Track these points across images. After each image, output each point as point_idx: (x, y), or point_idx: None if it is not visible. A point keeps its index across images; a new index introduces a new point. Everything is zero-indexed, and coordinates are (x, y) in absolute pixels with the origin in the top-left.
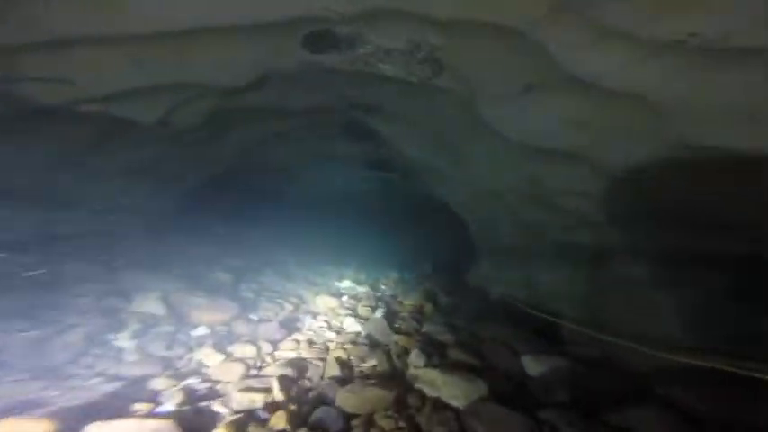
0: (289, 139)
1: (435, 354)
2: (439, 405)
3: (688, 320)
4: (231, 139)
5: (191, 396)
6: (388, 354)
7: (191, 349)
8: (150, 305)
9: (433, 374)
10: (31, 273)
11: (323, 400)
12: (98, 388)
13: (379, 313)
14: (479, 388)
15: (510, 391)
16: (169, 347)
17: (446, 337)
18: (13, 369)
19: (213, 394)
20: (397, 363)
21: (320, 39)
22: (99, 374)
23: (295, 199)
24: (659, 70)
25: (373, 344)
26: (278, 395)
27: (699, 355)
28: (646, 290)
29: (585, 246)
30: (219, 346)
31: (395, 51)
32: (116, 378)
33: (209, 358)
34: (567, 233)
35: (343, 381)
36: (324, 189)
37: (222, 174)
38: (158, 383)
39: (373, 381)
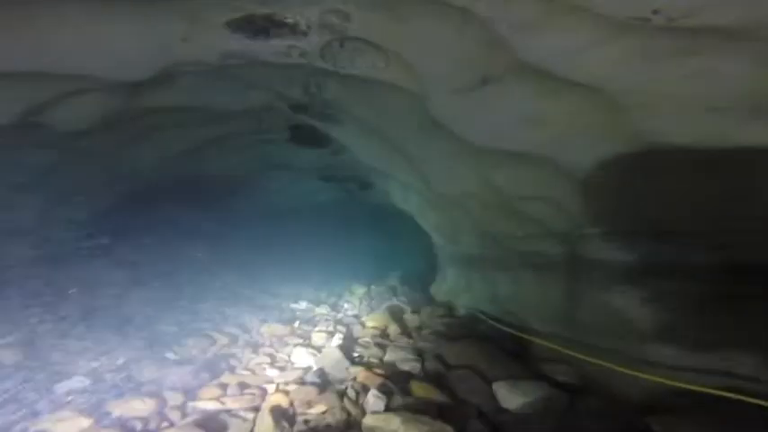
0: (229, 146)
1: (397, 391)
2: None
3: (665, 334)
4: (152, 144)
5: None
6: (341, 395)
7: (35, 414)
8: None
9: (394, 424)
10: None
11: None
12: None
13: (336, 341)
14: None
15: None
16: None
17: (411, 365)
18: None
19: None
20: (352, 408)
21: (242, 24)
22: None
23: (243, 213)
24: (618, 55)
25: (325, 382)
26: None
27: (680, 375)
28: (618, 302)
29: (551, 255)
30: (94, 405)
31: (331, 43)
32: None
33: (66, 426)
34: (532, 242)
35: None
36: (276, 201)
37: (148, 185)
38: None
39: None
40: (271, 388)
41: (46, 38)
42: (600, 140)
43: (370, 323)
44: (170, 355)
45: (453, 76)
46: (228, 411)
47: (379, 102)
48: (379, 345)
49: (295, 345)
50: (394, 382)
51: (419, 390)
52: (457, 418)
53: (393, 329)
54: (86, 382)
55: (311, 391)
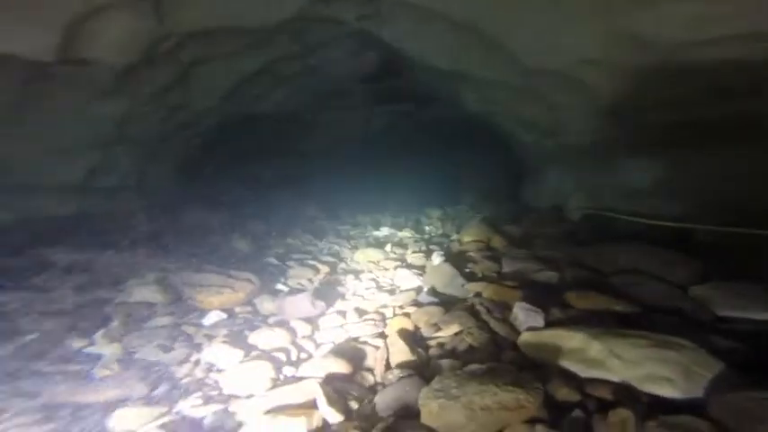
0: (275, 76)
1: (551, 303)
2: (644, 401)
3: None
4: (202, 81)
5: None
6: (473, 313)
7: (197, 347)
8: (145, 291)
9: (576, 340)
10: None
11: (403, 415)
12: None
13: (437, 258)
14: (703, 358)
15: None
16: (165, 348)
17: (546, 275)
18: None
19: (221, 427)
20: (495, 325)
21: None
22: (36, 409)
23: (308, 149)
24: None
25: (445, 301)
26: (328, 414)
27: None
28: None
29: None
30: (237, 338)
31: None
32: (54, 413)
33: (223, 358)
34: (699, 107)
35: (422, 370)
36: (330, 134)
37: (219, 130)
38: (126, 418)
39: (476, 367)
40: (388, 312)
41: None
42: None
43: (466, 238)
44: (281, 287)
45: None
46: (356, 339)
47: None
48: (489, 258)
49: (394, 267)
50: (538, 295)
51: (580, 300)
52: (661, 329)
53: (497, 242)
54: (223, 315)
55: (434, 312)
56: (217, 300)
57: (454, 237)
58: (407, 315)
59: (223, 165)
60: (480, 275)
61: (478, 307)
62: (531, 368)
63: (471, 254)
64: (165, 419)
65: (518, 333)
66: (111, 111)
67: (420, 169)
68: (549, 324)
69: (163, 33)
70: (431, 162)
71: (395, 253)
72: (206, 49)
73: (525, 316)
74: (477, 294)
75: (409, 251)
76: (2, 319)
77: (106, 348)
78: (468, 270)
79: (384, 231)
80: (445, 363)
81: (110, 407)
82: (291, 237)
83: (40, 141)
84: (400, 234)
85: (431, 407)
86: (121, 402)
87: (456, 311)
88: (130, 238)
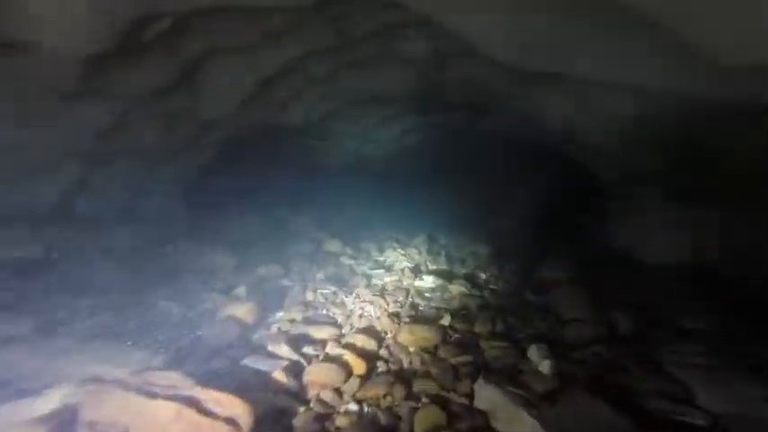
0: (302, 77)
1: None
2: None
3: None
4: (215, 78)
5: None
6: None
7: None
8: None
9: None
10: None
11: None
12: None
13: (541, 359)
14: None
15: None
16: None
17: None
18: None
19: None
20: None
21: None
22: None
23: (329, 165)
24: None
25: None
26: None
27: None
28: None
29: None
30: None
31: None
32: None
33: None
34: None
35: None
36: (359, 150)
37: (235, 145)
38: None
39: None
40: None
41: None
42: None
43: (567, 314)
44: (296, 416)
45: None
46: None
47: None
48: (638, 365)
49: (467, 376)
50: None
51: None
52: None
53: (626, 325)
54: None
55: None
56: None
57: (530, 297)
58: None
59: (236, 187)
60: (659, 416)
61: None
62: None
63: (596, 350)
64: None
65: None
66: (87, 116)
67: (458, 190)
68: None
69: (145, 12)
70: (474, 183)
71: (455, 331)
72: (216, 38)
73: None
74: None
75: (479, 329)
76: None
77: None
78: (622, 400)
79: (428, 282)
80: None
81: None
82: (312, 288)
83: (12, 158)
84: (451, 288)
85: None
86: None
87: None
88: (91, 306)
